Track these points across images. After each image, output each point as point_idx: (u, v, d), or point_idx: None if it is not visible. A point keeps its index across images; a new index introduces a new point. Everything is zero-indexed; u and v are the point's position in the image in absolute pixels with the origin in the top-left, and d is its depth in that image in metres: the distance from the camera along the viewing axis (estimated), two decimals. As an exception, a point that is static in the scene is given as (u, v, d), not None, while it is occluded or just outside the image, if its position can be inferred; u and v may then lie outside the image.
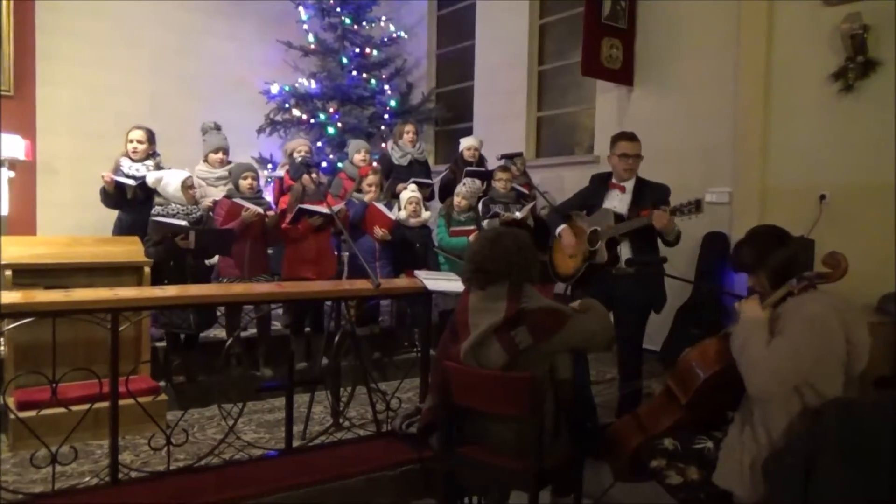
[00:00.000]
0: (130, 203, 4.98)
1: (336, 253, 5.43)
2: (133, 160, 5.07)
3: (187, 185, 4.67)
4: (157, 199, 4.72)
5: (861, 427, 2.15)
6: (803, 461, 2.16)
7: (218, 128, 5.63)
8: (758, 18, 5.29)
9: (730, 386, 2.36)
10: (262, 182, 5.58)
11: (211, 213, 4.92)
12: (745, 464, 2.32)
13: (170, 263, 4.52)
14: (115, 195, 4.95)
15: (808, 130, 5.06)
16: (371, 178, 5.47)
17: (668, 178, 5.42)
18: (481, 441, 2.71)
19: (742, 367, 2.32)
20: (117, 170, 4.99)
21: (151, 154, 5.16)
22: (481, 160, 6.58)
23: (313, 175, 4.98)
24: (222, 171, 5.47)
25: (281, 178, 5.88)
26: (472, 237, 5.39)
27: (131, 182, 4.92)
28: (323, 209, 4.80)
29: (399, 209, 5.57)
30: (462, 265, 5.13)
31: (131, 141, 5.07)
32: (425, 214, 5.60)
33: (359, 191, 5.48)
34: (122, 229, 5.05)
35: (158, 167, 5.05)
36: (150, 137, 5.16)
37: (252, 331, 5.06)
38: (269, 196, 5.88)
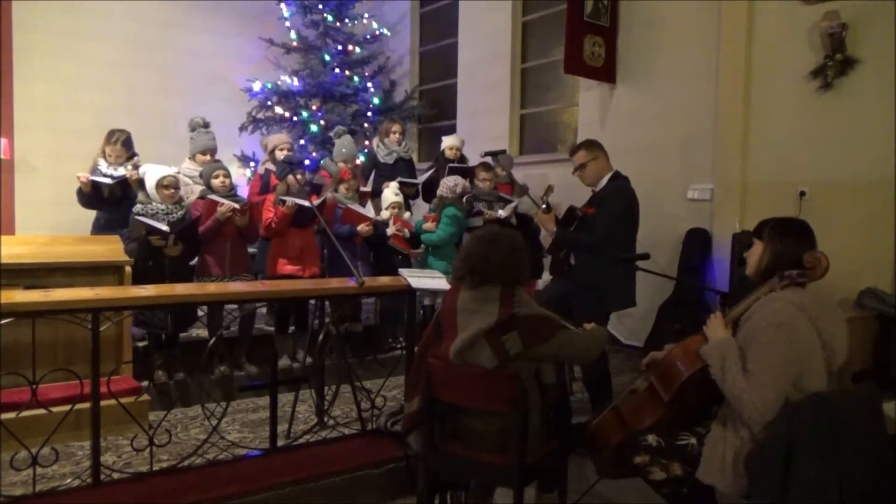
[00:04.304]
0: (108, 202, 4.91)
1: (323, 251, 5.42)
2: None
3: (163, 185, 4.63)
4: (140, 196, 4.70)
5: (835, 420, 2.17)
6: (782, 455, 2.19)
7: (206, 125, 5.51)
8: (738, 16, 5.35)
9: (712, 382, 2.38)
10: (245, 179, 5.53)
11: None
12: (728, 458, 2.34)
13: (148, 263, 4.48)
14: (91, 195, 4.87)
15: (787, 127, 5.12)
16: (352, 183, 5.52)
17: (649, 174, 5.48)
18: (465, 438, 2.72)
19: (727, 396, 2.35)
20: (95, 170, 4.90)
21: (130, 156, 5.08)
22: (462, 158, 6.58)
23: (298, 176, 4.96)
24: None
25: (262, 174, 5.82)
26: (425, 225, 5.48)
27: (108, 181, 4.84)
28: (304, 202, 4.78)
29: (382, 208, 5.60)
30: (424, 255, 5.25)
31: (109, 155, 4.98)
32: (405, 215, 5.61)
33: (335, 190, 5.50)
34: (100, 228, 4.99)
35: (136, 167, 4.99)
36: (128, 144, 5.05)
37: (234, 329, 5.02)
38: (245, 191, 5.84)
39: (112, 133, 5.03)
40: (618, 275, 3.90)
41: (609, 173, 4.09)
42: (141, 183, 4.87)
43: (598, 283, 3.91)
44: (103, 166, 4.96)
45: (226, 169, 5.08)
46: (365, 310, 5.98)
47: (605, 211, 3.93)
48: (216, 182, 4.92)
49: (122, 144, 5.00)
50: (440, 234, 5.37)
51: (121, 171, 4.93)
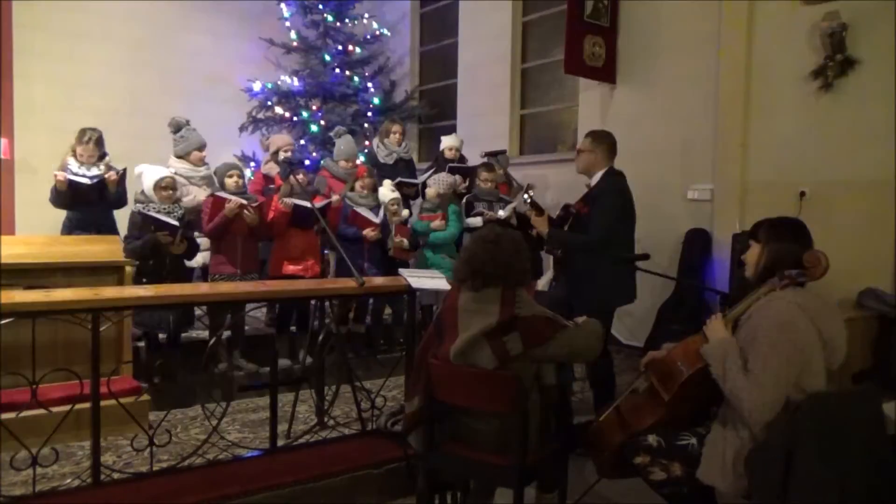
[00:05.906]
0: (82, 202, 4.85)
1: (323, 251, 5.41)
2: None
3: (161, 186, 4.64)
4: (136, 195, 4.72)
5: (835, 420, 2.17)
6: (782, 455, 2.19)
7: (188, 123, 5.51)
8: (738, 17, 5.35)
9: (712, 382, 2.38)
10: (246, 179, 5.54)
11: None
12: (728, 458, 2.34)
13: (149, 262, 4.48)
14: (66, 194, 4.80)
15: (787, 128, 5.12)
16: (367, 182, 5.50)
17: (649, 175, 5.49)
18: (465, 438, 2.72)
19: (727, 395, 2.34)
20: (65, 169, 4.83)
21: (101, 156, 5.03)
22: (462, 158, 6.58)
23: (300, 177, 4.96)
24: (206, 171, 5.42)
25: (267, 175, 5.82)
26: (434, 224, 5.48)
27: (86, 181, 4.80)
28: (305, 203, 4.79)
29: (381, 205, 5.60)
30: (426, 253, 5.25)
31: (81, 155, 4.91)
32: (404, 213, 5.60)
33: (351, 189, 5.50)
34: (70, 229, 4.94)
35: (108, 166, 4.96)
36: (100, 143, 4.99)
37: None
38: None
39: (84, 132, 4.95)
40: (618, 270, 3.90)
41: (603, 169, 4.04)
42: (122, 183, 4.89)
43: (598, 281, 3.91)
44: (74, 165, 4.89)
45: (240, 169, 5.10)
46: (369, 310, 5.97)
47: (599, 210, 3.91)
48: (230, 182, 4.93)
49: (95, 143, 4.94)
50: (451, 230, 5.46)
51: (94, 171, 4.89)
